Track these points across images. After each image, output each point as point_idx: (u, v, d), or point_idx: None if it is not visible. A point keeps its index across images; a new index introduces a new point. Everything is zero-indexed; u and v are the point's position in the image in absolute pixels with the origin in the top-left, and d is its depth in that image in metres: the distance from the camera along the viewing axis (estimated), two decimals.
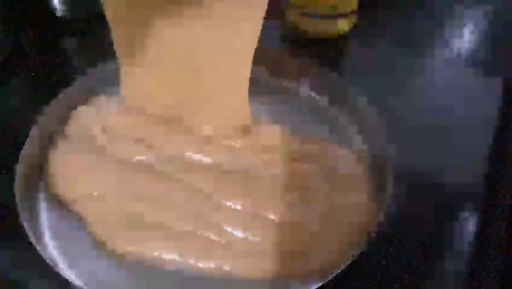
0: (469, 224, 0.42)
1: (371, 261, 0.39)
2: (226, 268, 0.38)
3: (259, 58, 0.43)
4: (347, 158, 0.44)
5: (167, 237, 0.39)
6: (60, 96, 0.46)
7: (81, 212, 0.40)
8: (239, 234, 0.39)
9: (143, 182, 0.42)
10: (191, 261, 0.38)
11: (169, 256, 0.38)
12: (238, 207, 0.40)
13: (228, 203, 0.40)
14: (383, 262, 0.39)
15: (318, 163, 0.43)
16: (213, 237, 0.39)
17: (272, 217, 0.40)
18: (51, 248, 0.39)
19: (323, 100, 0.49)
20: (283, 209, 0.40)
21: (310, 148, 0.44)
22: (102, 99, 0.48)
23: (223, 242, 0.39)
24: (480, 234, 0.42)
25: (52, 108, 0.46)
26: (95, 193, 0.41)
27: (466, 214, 0.43)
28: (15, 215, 0.38)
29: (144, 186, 0.41)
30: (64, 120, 0.46)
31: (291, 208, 0.40)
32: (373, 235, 0.37)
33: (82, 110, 0.47)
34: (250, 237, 0.39)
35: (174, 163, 0.43)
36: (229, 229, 0.39)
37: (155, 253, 0.38)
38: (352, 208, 0.40)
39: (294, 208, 0.40)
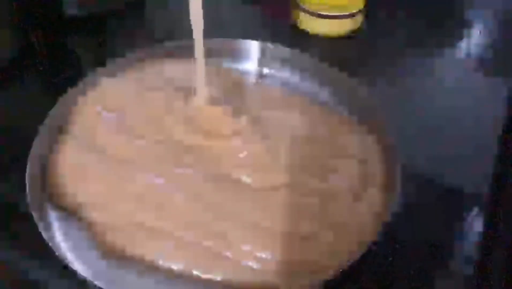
0: (474, 223, 0.42)
1: (377, 258, 0.39)
2: (232, 281, 0.37)
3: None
4: (359, 155, 0.44)
5: (172, 245, 0.38)
6: (69, 94, 0.47)
7: (85, 216, 0.40)
8: (247, 247, 0.38)
9: (147, 187, 0.41)
10: (195, 272, 0.37)
11: (174, 265, 0.38)
12: (247, 218, 0.40)
13: (237, 214, 0.40)
14: (389, 259, 0.39)
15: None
16: (220, 249, 0.38)
17: (281, 229, 0.39)
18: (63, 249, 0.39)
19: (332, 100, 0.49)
20: (293, 222, 0.39)
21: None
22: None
23: (230, 254, 0.38)
24: (485, 233, 0.42)
25: (61, 106, 0.46)
26: (98, 197, 0.41)
27: (471, 213, 0.43)
28: (26, 214, 0.38)
29: (149, 190, 0.41)
30: (72, 118, 0.46)
31: (302, 221, 0.40)
32: (379, 234, 0.37)
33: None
34: (258, 251, 0.38)
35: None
36: (237, 242, 0.38)
37: (160, 261, 0.38)
38: (360, 212, 0.40)
39: (305, 220, 0.40)
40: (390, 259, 0.39)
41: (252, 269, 0.37)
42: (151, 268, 0.38)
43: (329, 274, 0.35)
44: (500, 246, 0.41)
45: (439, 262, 0.40)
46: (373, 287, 0.38)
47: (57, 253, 0.37)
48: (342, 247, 0.38)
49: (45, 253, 0.37)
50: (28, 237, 0.38)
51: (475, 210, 0.43)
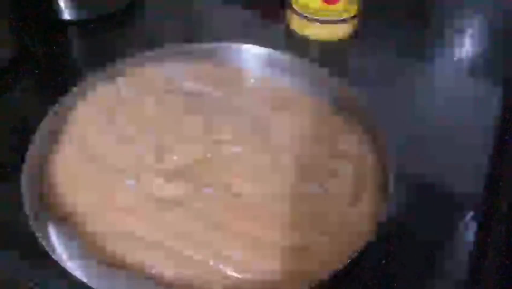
0: (469, 225, 0.42)
1: (372, 260, 0.39)
2: None
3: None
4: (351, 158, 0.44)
5: (164, 255, 0.38)
6: (66, 97, 0.47)
7: (80, 225, 0.40)
8: (243, 258, 0.38)
9: (140, 196, 0.41)
10: (187, 282, 0.37)
11: (167, 274, 0.37)
12: (243, 230, 0.39)
13: (233, 226, 0.40)
14: (383, 262, 0.39)
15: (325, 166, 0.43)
16: (213, 260, 0.38)
17: (279, 242, 0.39)
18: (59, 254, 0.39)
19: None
20: (291, 234, 0.39)
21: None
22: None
23: (224, 266, 0.38)
24: (480, 235, 0.42)
25: (58, 110, 0.46)
26: (92, 206, 0.40)
27: (466, 215, 0.43)
28: (24, 219, 0.38)
29: (142, 200, 0.41)
30: (66, 121, 0.46)
31: (299, 232, 0.39)
32: (373, 236, 0.37)
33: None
34: (256, 263, 0.38)
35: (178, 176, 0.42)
36: (232, 253, 0.38)
37: (153, 271, 0.37)
38: (356, 215, 0.40)
39: (301, 228, 0.39)
40: (385, 261, 0.39)
41: (246, 280, 0.37)
42: (143, 277, 0.37)
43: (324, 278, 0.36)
44: (495, 248, 0.41)
45: (434, 264, 0.40)
46: (371, 286, 0.38)
47: (54, 257, 0.37)
48: (337, 253, 0.38)
49: (42, 257, 0.37)
50: (25, 241, 0.38)
51: (470, 212, 0.43)
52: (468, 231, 0.42)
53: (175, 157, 0.43)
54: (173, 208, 0.40)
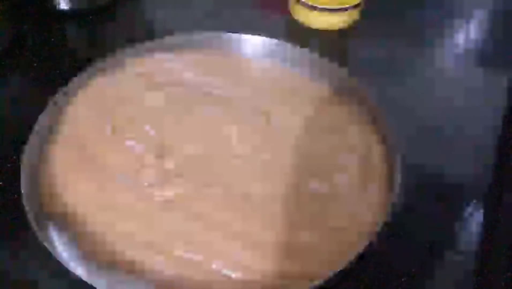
0: (474, 220, 0.42)
1: (377, 256, 0.39)
2: None
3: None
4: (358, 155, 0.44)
5: (165, 257, 0.38)
6: (64, 89, 0.46)
7: (77, 223, 0.40)
8: (243, 258, 0.38)
9: (137, 196, 0.41)
10: (184, 282, 0.37)
11: (168, 274, 0.37)
12: (243, 230, 0.39)
13: (233, 226, 0.39)
14: (383, 261, 0.39)
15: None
16: (214, 262, 0.38)
17: (279, 242, 0.38)
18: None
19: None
20: (291, 234, 0.39)
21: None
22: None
23: (224, 266, 0.37)
24: (486, 230, 0.42)
25: (55, 105, 0.45)
26: (87, 207, 0.40)
27: (471, 210, 0.43)
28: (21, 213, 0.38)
29: (138, 200, 0.40)
30: (64, 117, 0.45)
31: (300, 232, 0.39)
32: (374, 236, 0.37)
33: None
34: (256, 263, 0.38)
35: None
36: (232, 253, 0.38)
37: (153, 271, 0.37)
38: (360, 212, 0.40)
39: (303, 231, 0.39)
40: (385, 261, 0.39)
41: (246, 280, 0.37)
42: (143, 278, 0.37)
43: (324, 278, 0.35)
44: (500, 242, 0.41)
45: (434, 264, 0.40)
46: (373, 285, 0.38)
47: (54, 257, 0.37)
48: (337, 253, 0.38)
49: (42, 257, 0.37)
50: (24, 241, 0.38)
51: (476, 205, 0.43)
52: (472, 231, 0.42)
53: (175, 156, 0.43)
54: (173, 208, 0.40)
